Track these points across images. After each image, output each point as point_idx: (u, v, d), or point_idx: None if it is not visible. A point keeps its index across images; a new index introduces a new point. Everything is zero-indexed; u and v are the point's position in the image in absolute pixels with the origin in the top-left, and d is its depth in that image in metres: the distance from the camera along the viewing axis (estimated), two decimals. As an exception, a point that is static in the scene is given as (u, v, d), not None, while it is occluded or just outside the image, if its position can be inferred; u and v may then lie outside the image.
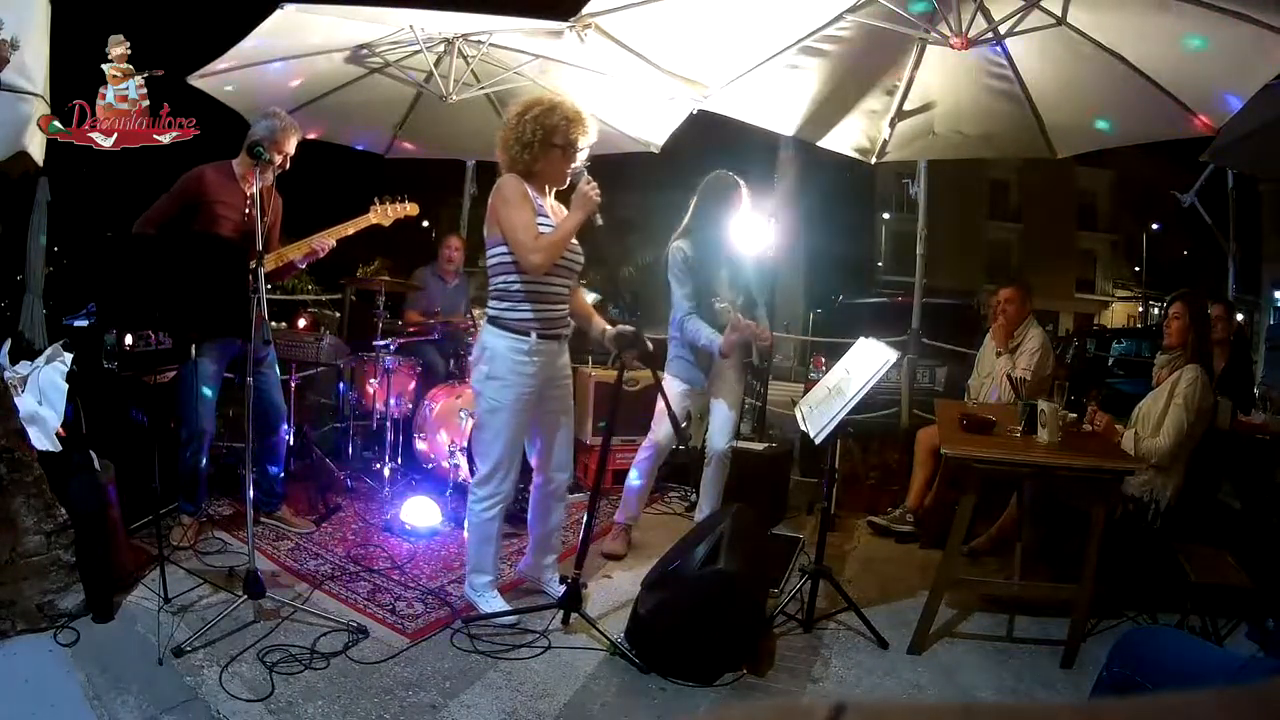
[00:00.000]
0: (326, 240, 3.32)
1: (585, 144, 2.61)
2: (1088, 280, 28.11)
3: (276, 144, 3.08)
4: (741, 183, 3.36)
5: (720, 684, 2.39)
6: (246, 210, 3.12)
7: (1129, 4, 3.23)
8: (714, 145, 3.95)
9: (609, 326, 2.83)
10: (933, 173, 5.00)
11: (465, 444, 3.58)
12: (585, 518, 2.76)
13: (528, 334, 2.58)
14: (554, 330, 2.65)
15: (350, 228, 3.44)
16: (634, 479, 3.45)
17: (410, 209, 3.59)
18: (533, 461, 2.85)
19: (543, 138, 2.54)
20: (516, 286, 2.57)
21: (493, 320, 2.62)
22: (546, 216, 2.59)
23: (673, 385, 3.37)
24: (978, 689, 2.48)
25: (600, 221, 2.59)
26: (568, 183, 2.62)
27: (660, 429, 3.39)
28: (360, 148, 5.23)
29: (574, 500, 4.04)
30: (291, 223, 3.45)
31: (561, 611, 2.70)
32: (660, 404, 3.23)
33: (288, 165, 3.18)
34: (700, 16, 3.60)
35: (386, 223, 3.55)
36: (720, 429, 3.44)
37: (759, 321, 3.40)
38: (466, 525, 2.77)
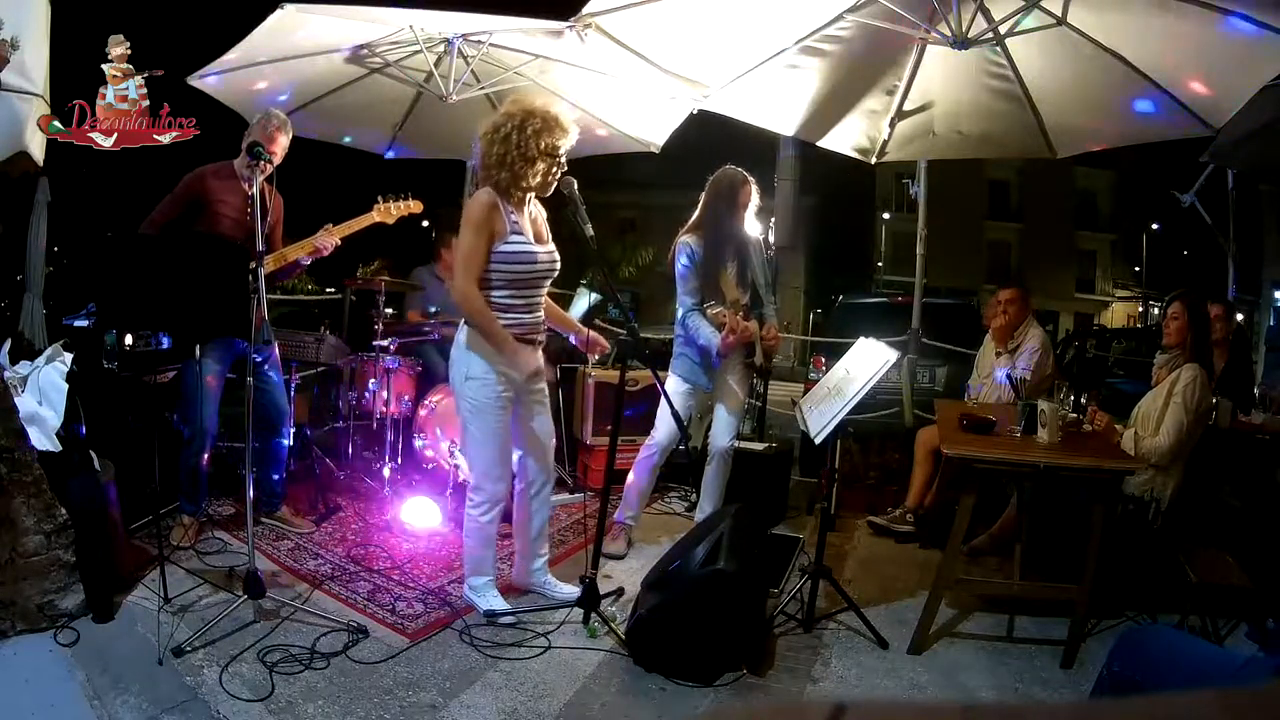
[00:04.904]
0: (330, 239, 3.32)
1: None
2: (1088, 280, 28.11)
3: (268, 143, 3.08)
4: (750, 179, 3.36)
5: (720, 684, 2.39)
6: (247, 210, 3.12)
7: (1129, 4, 3.23)
8: (714, 145, 3.94)
9: (590, 333, 2.89)
10: (933, 173, 5.00)
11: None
12: (597, 516, 2.77)
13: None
14: (530, 336, 2.68)
15: (354, 226, 3.44)
16: (635, 477, 3.45)
17: (414, 206, 3.58)
18: (514, 465, 2.86)
19: (546, 150, 2.56)
20: (494, 296, 2.60)
21: (469, 323, 2.64)
22: (522, 234, 2.61)
23: (675, 384, 3.37)
24: (978, 689, 2.48)
25: (591, 232, 2.65)
26: (551, 191, 2.66)
27: (663, 428, 3.39)
28: (360, 148, 5.23)
29: (570, 501, 4.05)
30: (293, 223, 3.45)
31: (571, 610, 2.72)
32: (663, 402, 3.23)
33: (274, 163, 3.18)
34: (700, 16, 3.60)
35: (391, 220, 3.54)
36: (723, 427, 3.44)
37: (767, 319, 3.40)
38: (464, 528, 2.78)
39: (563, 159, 2.62)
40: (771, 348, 3.45)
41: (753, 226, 3.45)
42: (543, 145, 2.54)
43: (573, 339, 2.90)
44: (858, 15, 3.57)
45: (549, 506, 2.92)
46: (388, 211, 3.52)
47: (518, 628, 2.65)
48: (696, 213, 3.39)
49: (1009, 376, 3.50)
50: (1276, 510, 3.16)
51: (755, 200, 3.38)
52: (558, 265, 2.74)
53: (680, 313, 3.36)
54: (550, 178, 2.62)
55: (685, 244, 3.32)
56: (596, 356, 2.95)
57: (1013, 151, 4.64)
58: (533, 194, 2.67)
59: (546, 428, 2.85)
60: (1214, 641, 2.54)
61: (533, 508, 2.85)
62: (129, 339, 3.65)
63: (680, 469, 4.35)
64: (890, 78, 4.04)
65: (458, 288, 2.59)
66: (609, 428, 2.94)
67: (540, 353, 2.79)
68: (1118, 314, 28.20)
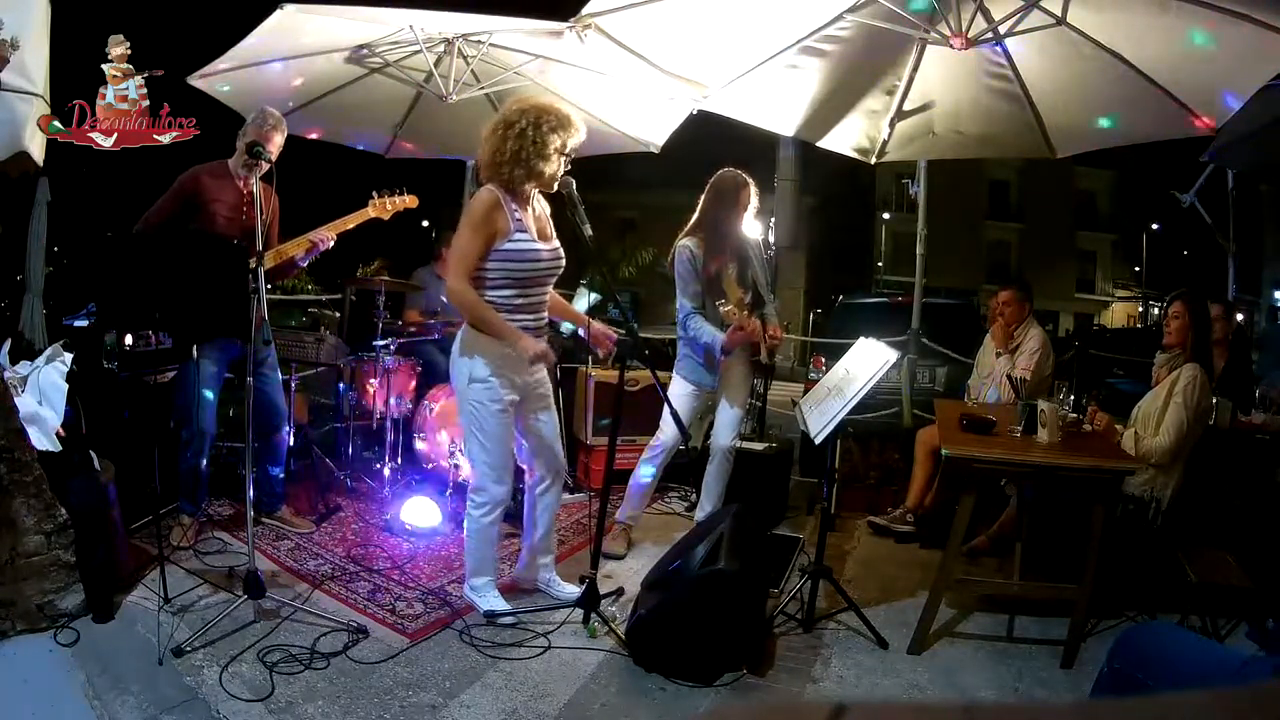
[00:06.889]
0: (326, 235, 3.31)
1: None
2: (1088, 280, 28.13)
3: (264, 142, 3.08)
4: (750, 181, 3.37)
5: (720, 684, 2.39)
6: (244, 209, 3.12)
7: (1129, 4, 3.23)
8: (714, 145, 3.94)
9: (595, 325, 2.87)
10: (933, 173, 5.00)
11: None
12: (598, 516, 2.77)
13: None
14: (533, 336, 2.66)
15: (349, 222, 3.43)
16: (639, 477, 3.45)
17: (409, 201, 3.56)
18: (522, 463, 2.86)
19: (560, 148, 2.57)
20: (499, 295, 2.58)
21: (471, 322, 2.63)
22: (526, 231, 2.60)
23: (680, 386, 3.37)
24: (978, 689, 2.48)
25: (590, 232, 2.65)
26: (555, 187, 2.66)
27: (667, 429, 3.39)
28: (360, 148, 5.23)
29: (571, 501, 4.05)
30: (292, 223, 3.45)
31: (571, 610, 2.72)
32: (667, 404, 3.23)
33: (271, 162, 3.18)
34: (700, 16, 3.60)
35: (386, 216, 3.52)
36: (725, 426, 3.45)
37: (768, 319, 3.40)
38: (465, 529, 2.78)
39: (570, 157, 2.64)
40: (775, 346, 3.45)
41: (752, 228, 3.46)
42: (558, 142, 2.55)
43: (581, 332, 2.90)
44: (858, 15, 3.57)
45: (557, 504, 2.92)
46: (383, 206, 3.50)
47: (518, 628, 2.65)
48: (696, 215, 3.39)
49: (1009, 377, 3.51)
50: (1276, 510, 3.16)
51: (755, 203, 3.39)
52: (562, 262, 2.72)
53: (681, 316, 3.36)
54: (558, 175, 2.62)
55: (685, 247, 3.33)
56: (602, 353, 2.93)
57: (1013, 151, 4.64)
58: (538, 190, 2.67)
59: (552, 424, 2.83)
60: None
61: (541, 505, 2.85)
62: (129, 339, 3.64)
63: (680, 469, 4.35)
64: (890, 78, 4.04)
65: (450, 285, 2.58)
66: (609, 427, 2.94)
67: None
68: (1118, 314, 28.21)
